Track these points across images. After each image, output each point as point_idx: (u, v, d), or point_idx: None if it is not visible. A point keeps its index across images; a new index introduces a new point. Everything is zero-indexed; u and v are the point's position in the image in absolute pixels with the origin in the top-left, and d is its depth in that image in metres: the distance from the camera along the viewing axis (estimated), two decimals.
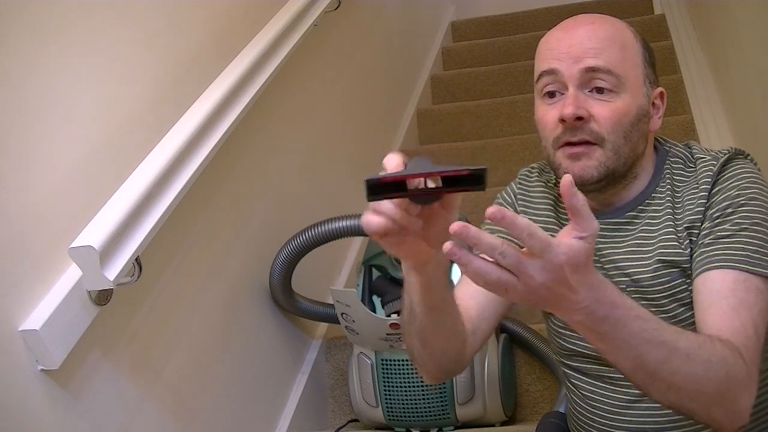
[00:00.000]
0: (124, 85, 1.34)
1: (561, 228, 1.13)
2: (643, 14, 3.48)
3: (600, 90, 1.01)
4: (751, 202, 1.00)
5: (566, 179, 0.74)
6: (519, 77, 3.20)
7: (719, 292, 0.96)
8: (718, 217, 1.00)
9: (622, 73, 1.00)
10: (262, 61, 1.71)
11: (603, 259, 1.09)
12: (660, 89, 1.07)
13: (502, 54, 3.50)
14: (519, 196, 1.20)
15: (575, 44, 1.01)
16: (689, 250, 1.02)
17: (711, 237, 1.00)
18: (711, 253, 0.98)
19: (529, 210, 1.18)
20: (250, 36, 1.76)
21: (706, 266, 0.98)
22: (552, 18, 4.06)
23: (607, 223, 1.08)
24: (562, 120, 1.01)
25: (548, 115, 1.04)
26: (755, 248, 0.97)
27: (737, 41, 2.14)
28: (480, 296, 1.08)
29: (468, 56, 3.61)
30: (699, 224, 1.02)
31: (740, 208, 0.99)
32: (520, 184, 1.21)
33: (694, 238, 1.02)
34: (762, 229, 0.98)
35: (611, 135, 1.00)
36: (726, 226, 0.99)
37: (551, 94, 1.03)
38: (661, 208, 1.06)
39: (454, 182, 0.72)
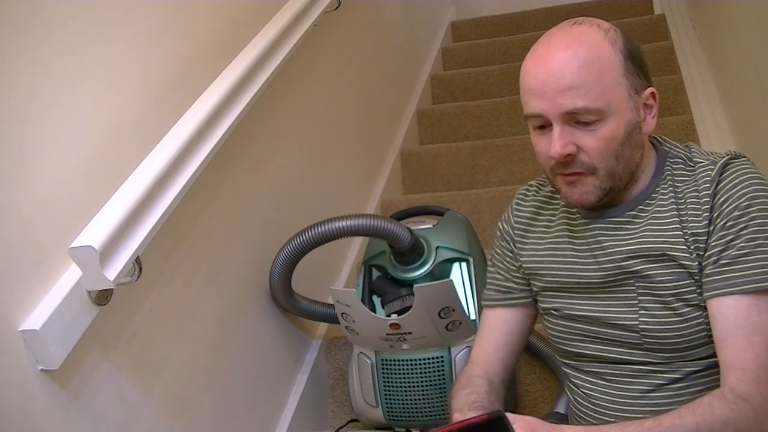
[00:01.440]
0: (124, 84, 1.34)
1: (555, 238, 1.17)
2: (643, 14, 3.48)
3: (584, 122, 1.01)
4: (764, 213, 0.99)
5: None
6: (519, 77, 3.20)
7: (734, 322, 0.98)
8: (730, 228, 0.99)
9: (602, 105, 1.00)
10: (262, 61, 1.71)
11: (607, 259, 1.09)
12: (650, 90, 1.06)
13: (502, 54, 3.50)
14: (515, 222, 1.23)
15: (551, 82, 1.01)
16: (695, 255, 1.02)
17: (725, 257, 0.99)
18: (726, 276, 0.99)
19: (525, 235, 1.21)
20: (250, 36, 1.76)
21: (721, 290, 0.99)
22: (552, 18, 4.05)
23: (607, 222, 1.10)
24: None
25: (539, 145, 1.07)
26: None
27: (737, 41, 2.14)
28: (501, 351, 1.21)
29: (468, 56, 3.61)
30: (705, 234, 1.01)
31: (753, 221, 0.99)
32: (516, 206, 1.24)
33: (701, 245, 1.01)
34: None
35: (602, 162, 1.02)
36: (740, 243, 0.99)
37: (541, 127, 1.06)
38: (665, 206, 1.06)
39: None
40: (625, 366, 1.10)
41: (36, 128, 1.13)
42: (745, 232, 0.99)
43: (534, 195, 1.23)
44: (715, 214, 1.01)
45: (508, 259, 1.23)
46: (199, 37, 1.60)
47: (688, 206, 1.04)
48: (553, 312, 1.17)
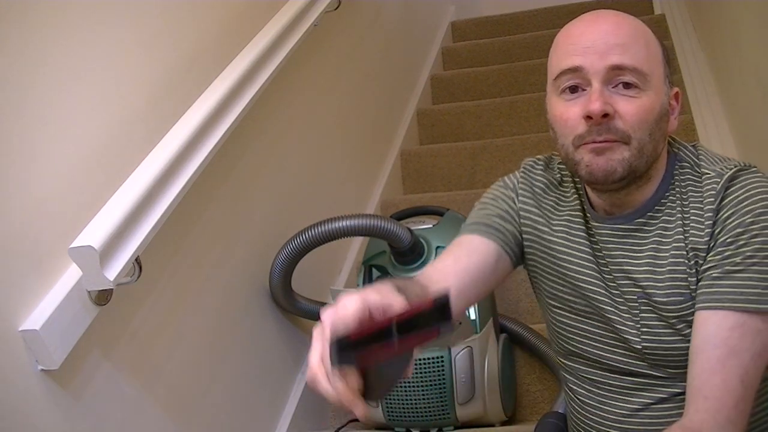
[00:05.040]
0: (124, 85, 1.34)
1: (563, 228, 1.11)
2: (643, 14, 3.47)
3: (626, 86, 0.96)
4: (766, 230, 0.94)
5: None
6: (519, 77, 3.20)
7: (712, 340, 0.93)
8: (730, 244, 0.95)
9: (647, 71, 0.97)
10: (262, 61, 1.71)
11: (613, 267, 1.05)
12: (676, 89, 1.04)
13: (502, 54, 3.50)
14: (521, 187, 1.16)
15: (599, 39, 0.97)
16: (694, 270, 0.98)
17: (719, 270, 0.95)
18: (716, 290, 0.95)
19: (531, 202, 1.15)
20: (250, 36, 1.76)
21: (708, 304, 0.95)
22: (552, 18, 4.03)
23: (616, 229, 1.05)
24: (588, 117, 0.96)
25: (569, 111, 0.99)
26: (765, 283, 0.93)
27: (737, 41, 2.14)
28: (462, 280, 1.06)
29: (468, 56, 3.61)
30: (705, 249, 0.97)
31: (754, 239, 0.94)
32: (523, 174, 1.17)
33: (701, 261, 0.98)
34: None
35: (637, 132, 0.96)
36: (737, 260, 0.94)
37: (573, 90, 0.99)
38: (672, 218, 1.02)
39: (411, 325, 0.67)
40: (626, 378, 1.07)
41: (36, 128, 1.13)
42: (743, 249, 0.94)
43: (542, 170, 1.16)
44: (717, 229, 0.97)
45: (508, 211, 1.14)
46: (198, 38, 1.60)
47: (692, 218, 1.00)
48: (554, 303, 1.13)
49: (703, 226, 0.98)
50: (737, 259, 0.94)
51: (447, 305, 0.66)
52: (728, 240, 0.96)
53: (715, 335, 0.93)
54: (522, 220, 1.15)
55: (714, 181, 0.99)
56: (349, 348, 0.66)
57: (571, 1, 3.56)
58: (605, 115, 0.95)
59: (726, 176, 0.99)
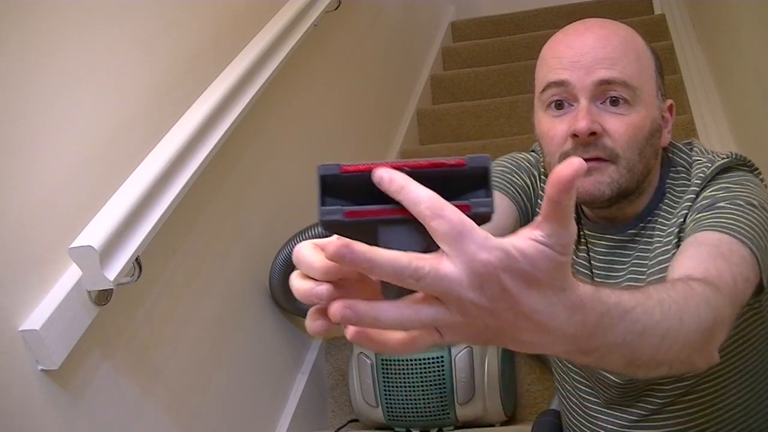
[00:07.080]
0: (124, 85, 1.34)
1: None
2: (643, 14, 3.48)
3: (614, 102, 0.92)
4: (740, 195, 0.90)
5: (566, 171, 0.45)
6: (519, 77, 3.20)
7: (701, 243, 0.86)
8: (708, 200, 0.92)
9: (637, 85, 0.93)
10: (262, 61, 1.71)
11: (599, 277, 1.03)
12: (670, 101, 1.01)
13: (502, 54, 3.50)
14: (542, 175, 1.09)
15: (587, 52, 0.93)
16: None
17: (698, 214, 0.91)
18: (699, 222, 0.90)
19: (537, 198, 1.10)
20: (250, 36, 1.76)
21: (694, 231, 0.89)
22: (552, 18, 4.03)
23: (609, 240, 1.02)
24: (574, 135, 0.92)
25: (556, 128, 0.95)
26: (749, 227, 0.87)
27: (737, 41, 2.14)
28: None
29: (468, 56, 3.61)
30: (684, 221, 0.94)
31: (737, 200, 0.90)
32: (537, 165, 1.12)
33: (683, 235, 0.94)
34: (760, 230, 0.88)
35: (626, 152, 0.92)
36: (715, 212, 0.90)
37: (559, 105, 0.95)
38: (666, 225, 0.98)
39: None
40: (616, 389, 1.04)
41: (36, 128, 1.13)
42: (722, 204, 0.90)
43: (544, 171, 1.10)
44: (697, 200, 0.94)
45: (519, 183, 1.07)
46: (199, 38, 1.60)
47: (678, 207, 0.97)
48: None
49: (684, 207, 0.95)
50: (716, 212, 0.90)
51: (487, 170, 0.45)
52: (705, 202, 0.92)
53: (704, 240, 0.86)
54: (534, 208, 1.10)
55: (705, 165, 0.97)
56: (338, 186, 0.46)
57: (571, 1, 3.57)
58: (592, 134, 0.92)
59: (718, 163, 0.96)
